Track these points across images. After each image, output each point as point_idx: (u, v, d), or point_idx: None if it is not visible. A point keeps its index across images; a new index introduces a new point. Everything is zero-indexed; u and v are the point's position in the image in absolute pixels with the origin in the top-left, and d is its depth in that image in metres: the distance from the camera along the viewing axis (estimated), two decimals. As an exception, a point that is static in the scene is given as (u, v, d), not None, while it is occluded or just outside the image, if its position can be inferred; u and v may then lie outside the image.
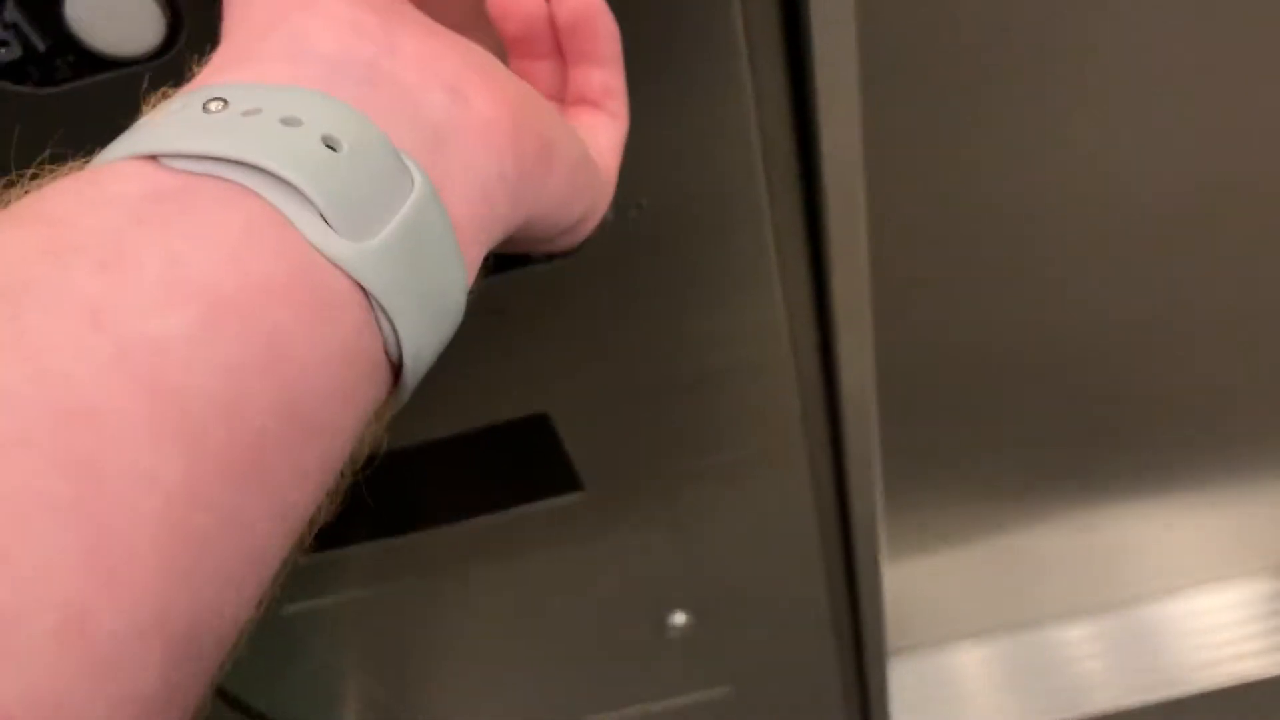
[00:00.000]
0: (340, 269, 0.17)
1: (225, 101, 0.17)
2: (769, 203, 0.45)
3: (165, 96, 0.19)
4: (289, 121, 0.17)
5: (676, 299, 0.48)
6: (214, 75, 0.19)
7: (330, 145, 0.17)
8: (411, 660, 0.72)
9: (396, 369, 0.19)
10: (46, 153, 0.18)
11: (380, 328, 0.18)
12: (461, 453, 0.53)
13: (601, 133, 0.28)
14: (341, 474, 0.18)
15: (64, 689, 0.13)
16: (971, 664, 1.27)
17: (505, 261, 0.42)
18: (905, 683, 1.25)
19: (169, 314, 0.15)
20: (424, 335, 0.19)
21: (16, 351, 0.13)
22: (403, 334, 0.18)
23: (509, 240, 0.24)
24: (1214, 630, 1.25)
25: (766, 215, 0.45)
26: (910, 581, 1.34)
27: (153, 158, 0.16)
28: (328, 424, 0.17)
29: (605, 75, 0.28)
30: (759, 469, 0.63)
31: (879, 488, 0.71)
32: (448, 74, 0.21)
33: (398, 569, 0.62)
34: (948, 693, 1.25)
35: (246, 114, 0.17)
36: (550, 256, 0.42)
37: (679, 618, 0.72)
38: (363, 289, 0.17)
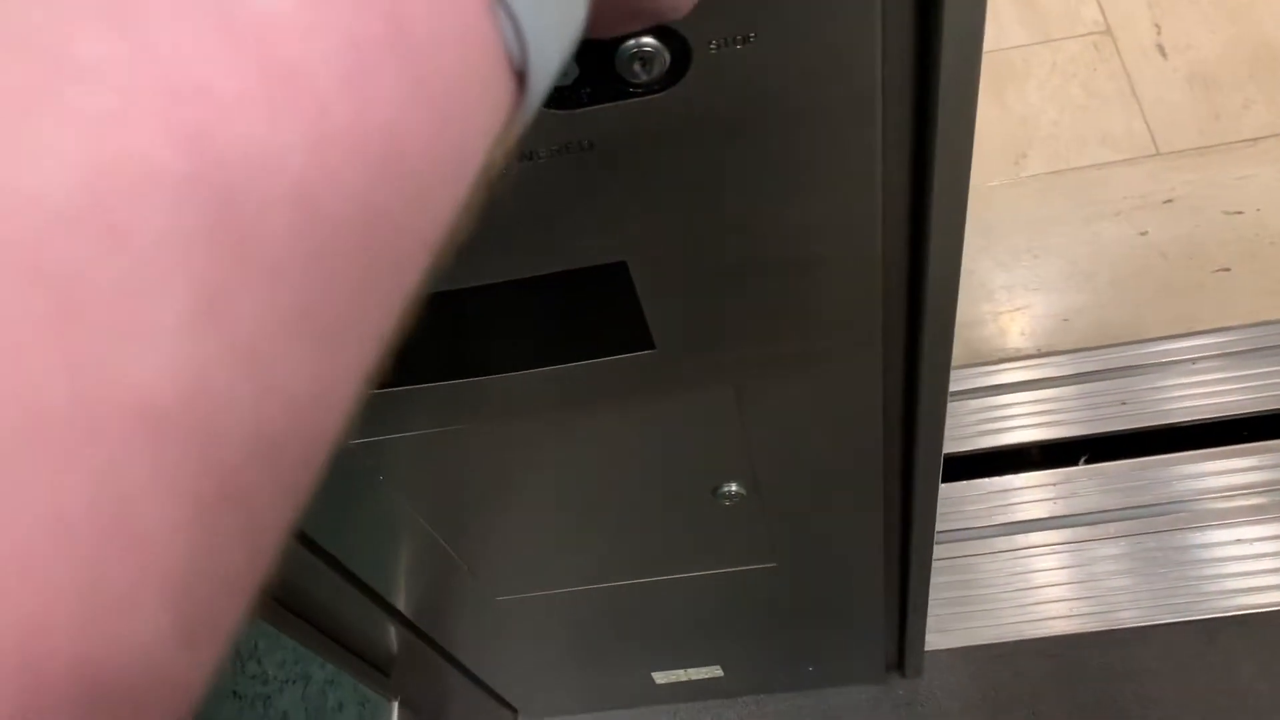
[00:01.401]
0: None
1: None
2: (882, 88, 0.43)
3: None
4: None
5: (772, 171, 0.46)
6: None
7: None
8: (468, 506, 0.74)
9: (519, 80, 0.17)
10: None
11: (498, 18, 0.16)
12: (538, 297, 0.53)
13: None
14: (476, 189, 0.17)
15: (206, 371, 0.12)
16: (1010, 563, 1.27)
17: (601, 94, 0.41)
18: (941, 581, 1.26)
19: None
20: (547, 36, 0.17)
21: (112, 27, 0.12)
22: (525, 26, 0.16)
23: None
24: (1250, 559, 1.24)
25: (878, 101, 0.43)
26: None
27: None
28: (458, 115, 0.15)
29: None
30: (832, 357, 0.62)
31: (948, 391, 0.70)
32: None
33: (463, 413, 0.62)
34: (985, 593, 1.26)
35: None
36: (649, 81, 0.41)
37: (732, 487, 0.72)
38: None
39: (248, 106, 0.12)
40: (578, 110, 0.41)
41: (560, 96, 0.41)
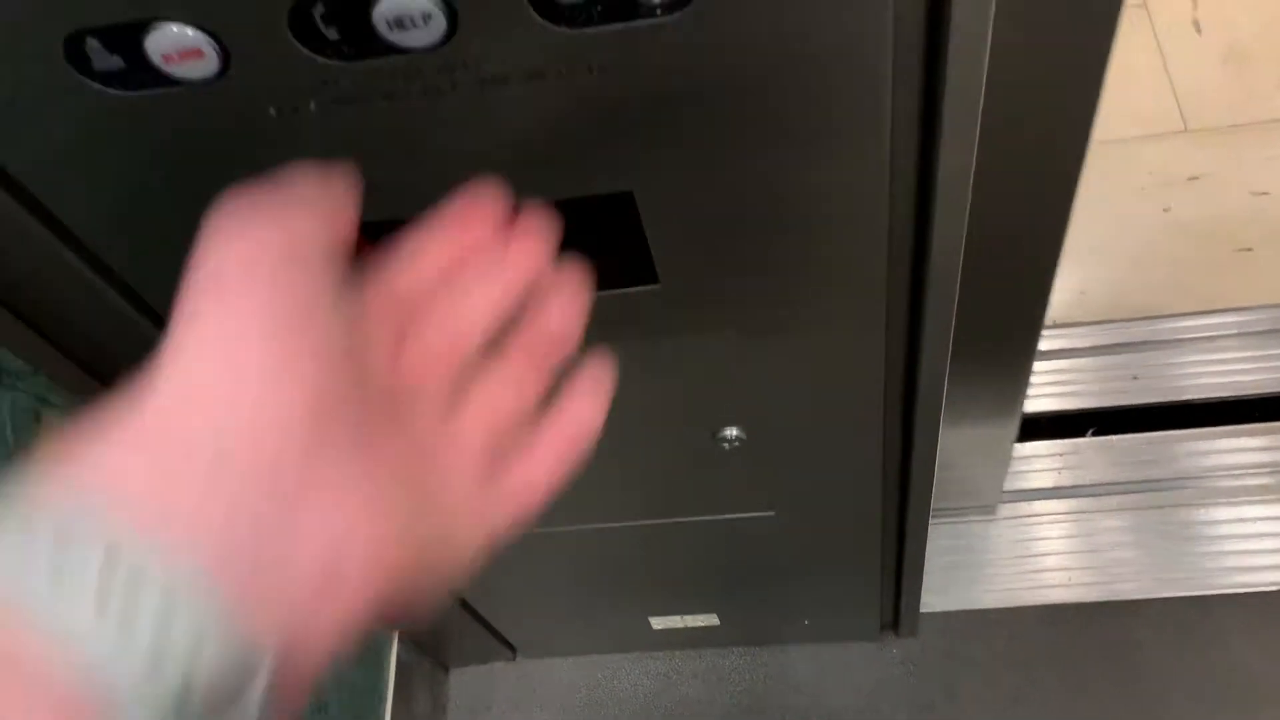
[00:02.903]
0: None
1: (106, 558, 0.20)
2: (893, 51, 0.44)
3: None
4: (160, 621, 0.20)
5: (781, 112, 0.46)
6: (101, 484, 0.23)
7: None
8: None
9: None
10: None
11: None
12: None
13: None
14: None
15: None
16: (1012, 530, 1.28)
17: (611, 12, 0.41)
18: (941, 544, 1.27)
19: None
20: None
21: None
22: None
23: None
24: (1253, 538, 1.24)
25: (889, 59, 0.44)
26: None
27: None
28: None
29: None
30: (835, 313, 0.62)
31: (949, 354, 0.71)
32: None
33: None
34: (985, 558, 1.26)
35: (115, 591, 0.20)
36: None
37: (732, 431, 0.73)
38: None
39: None
40: (587, 29, 0.42)
41: (570, 14, 0.41)
